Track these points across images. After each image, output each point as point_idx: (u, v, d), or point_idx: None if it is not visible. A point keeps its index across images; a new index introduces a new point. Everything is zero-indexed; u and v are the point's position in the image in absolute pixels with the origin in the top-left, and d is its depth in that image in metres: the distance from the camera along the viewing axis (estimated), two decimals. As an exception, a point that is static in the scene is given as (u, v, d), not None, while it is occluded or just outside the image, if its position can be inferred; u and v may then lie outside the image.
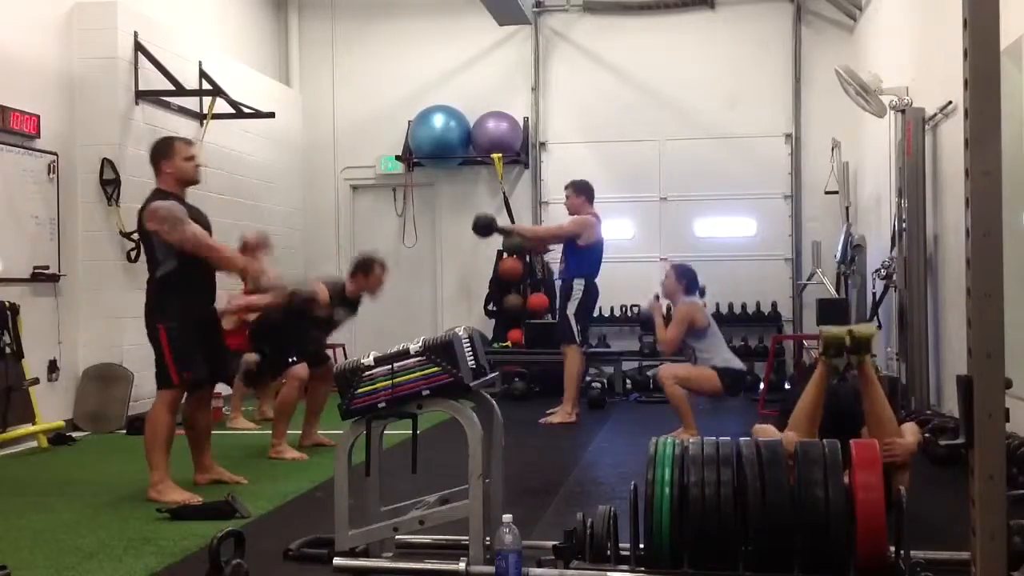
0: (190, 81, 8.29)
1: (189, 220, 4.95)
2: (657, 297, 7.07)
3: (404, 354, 3.45)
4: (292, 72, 11.05)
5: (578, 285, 7.76)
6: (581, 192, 7.92)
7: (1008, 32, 3.30)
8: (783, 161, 10.40)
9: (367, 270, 6.56)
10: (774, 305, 10.20)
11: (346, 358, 8.43)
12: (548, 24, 10.81)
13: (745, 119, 10.35)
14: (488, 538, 3.39)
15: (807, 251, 10.01)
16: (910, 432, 4.17)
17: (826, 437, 3.48)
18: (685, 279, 6.81)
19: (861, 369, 4.14)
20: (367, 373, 3.44)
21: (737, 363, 6.81)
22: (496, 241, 10.36)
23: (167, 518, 4.45)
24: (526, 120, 10.64)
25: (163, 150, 5.13)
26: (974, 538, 2.09)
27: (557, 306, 8.25)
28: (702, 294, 6.96)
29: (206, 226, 5.15)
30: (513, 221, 10.40)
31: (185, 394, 5.08)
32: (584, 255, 7.81)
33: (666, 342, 6.72)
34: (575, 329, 7.77)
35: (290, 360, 6.24)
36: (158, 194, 5.05)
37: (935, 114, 6.80)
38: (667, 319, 6.85)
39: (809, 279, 9.78)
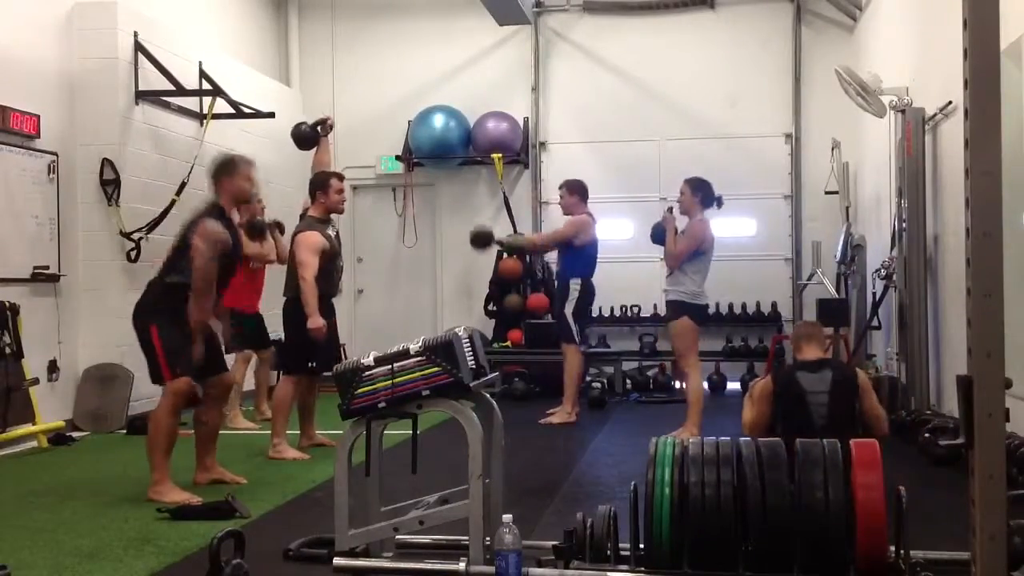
0: (190, 81, 8.29)
1: (213, 263, 5.00)
2: (671, 209, 6.94)
3: (404, 354, 3.45)
4: (292, 72, 11.05)
5: (574, 285, 7.76)
6: (575, 191, 7.92)
7: (1008, 32, 3.30)
8: (783, 161, 10.40)
9: (325, 186, 6.47)
10: (774, 305, 10.20)
11: (346, 358, 8.42)
12: (548, 24, 10.81)
13: (745, 119, 10.35)
14: (488, 538, 3.39)
15: (807, 251, 10.02)
16: None
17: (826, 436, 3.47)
18: (701, 192, 6.75)
19: None
20: (367, 373, 3.44)
21: (704, 298, 6.77)
22: (496, 241, 10.40)
23: (167, 518, 4.45)
24: (526, 120, 10.64)
25: (227, 168, 5.26)
26: (974, 538, 2.09)
27: (555, 306, 8.25)
28: (719, 204, 6.83)
29: (236, 244, 5.25)
30: (513, 221, 10.42)
31: (192, 396, 5.09)
32: (579, 255, 7.81)
33: (674, 256, 6.69)
34: (573, 329, 7.77)
35: (309, 365, 6.22)
36: (215, 211, 5.14)
37: (935, 114, 6.80)
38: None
39: (809, 279, 9.78)
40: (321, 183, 6.42)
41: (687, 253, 6.63)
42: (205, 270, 4.96)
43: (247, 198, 5.46)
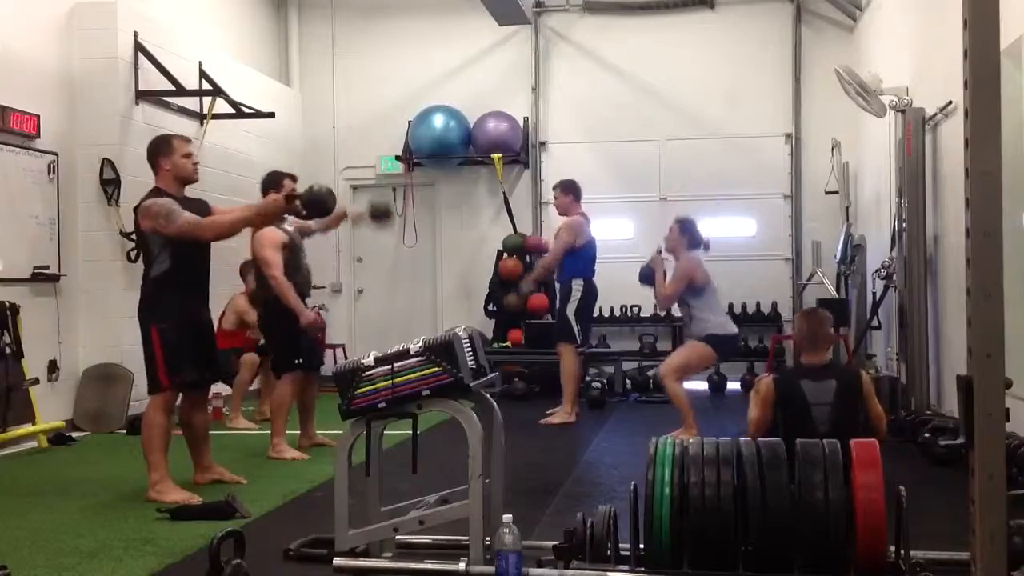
0: (190, 81, 8.29)
1: (182, 210, 4.91)
2: (659, 251, 6.97)
3: (404, 354, 3.45)
4: (292, 72, 11.04)
5: (577, 285, 7.77)
6: (568, 191, 7.92)
7: (1008, 32, 3.30)
8: (783, 161, 10.40)
9: (165, 150, 6.27)
10: (774, 305, 10.20)
11: (346, 358, 8.44)
12: (548, 24, 10.81)
13: (745, 119, 10.35)
14: (488, 538, 3.39)
15: (807, 251, 10.02)
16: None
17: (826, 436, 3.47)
18: (688, 233, 6.77)
19: None
20: (367, 373, 3.44)
21: (730, 328, 6.75)
22: (496, 241, 10.39)
23: (167, 518, 4.45)
24: (526, 120, 10.63)
25: (161, 147, 5.11)
26: (974, 538, 2.09)
27: (557, 307, 8.23)
28: (706, 248, 6.86)
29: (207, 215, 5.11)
30: (513, 221, 10.43)
31: (180, 395, 5.07)
32: (578, 256, 7.80)
33: (664, 298, 6.70)
34: (575, 329, 7.77)
35: (296, 362, 6.21)
36: (154, 192, 5.03)
37: (935, 114, 6.80)
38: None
39: (809, 279, 9.78)
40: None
41: (677, 294, 6.64)
42: (183, 225, 4.85)
43: (191, 176, 5.13)
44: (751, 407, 4.78)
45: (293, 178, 6.46)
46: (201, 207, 5.14)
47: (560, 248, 7.88)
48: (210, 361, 5.23)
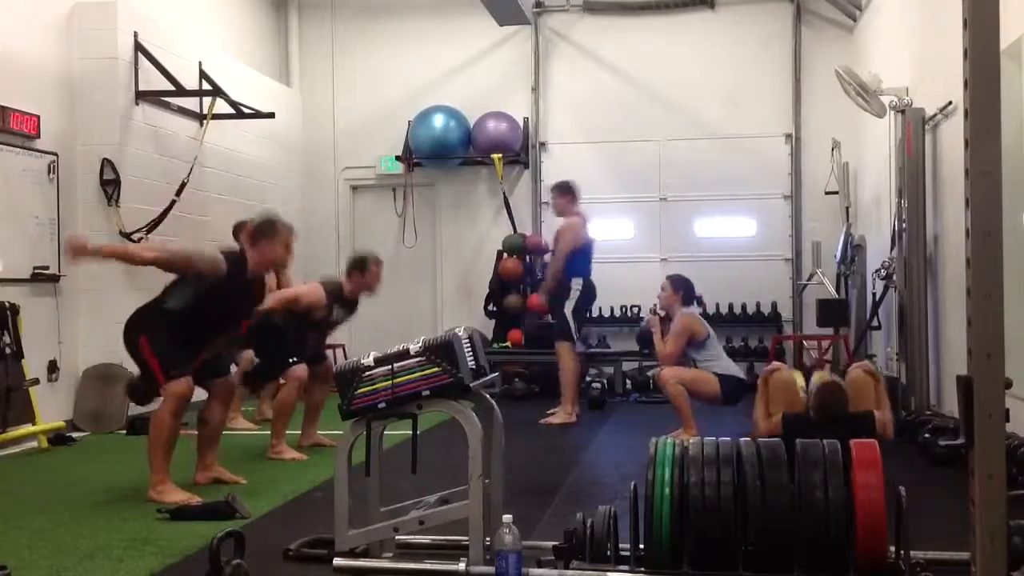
0: (190, 81, 8.29)
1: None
2: (654, 311, 7.07)
3: (404, 354, 3.45)
4: (292, 72, 11.05)
5: (576, 284, 7.79)
6: (565, 192, 7.95)
7: (1008, 32, 3.30)
8: (783, 161, 10.40)
9: (363, 268, 6.57)
10: (774, 305, 10.20)
11: (346, 358, 8.44)
12: (548, 24, 10.81)
13: (745, 119, 10.35)
14: (488, 538, 3.39)
15: (807, 251, 10.01)
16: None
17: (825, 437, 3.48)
18: (682, 290, 6.83)
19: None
20: (367, 373, 3.44)
21: (737, 371, 6.80)
22: (496, 241, 10.39)
23: (167, 518, 4.44)
24: (526, 120, 10.64)
25: (267, 232, 5.14)
26: (974, 538, 2.09)
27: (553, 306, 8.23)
28: (699, 303, 6.98)
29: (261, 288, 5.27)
30: (513, 221, 10.44)
31: (191, 398, 5.07)
32: (576, 256, 7.82)
33: (666, 356, 6.71)
34: (572, 327, 7.79)
35: (290, 361, 6.24)
36: (234, 256, 5.04)
37: (935, 114, 6.80)
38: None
39: (809, 279, 9.77)
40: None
41: (679, 351, 6.64)
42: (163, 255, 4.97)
43: (283, 264, 5.34)
44: (757, 407, 4.77)
45: (378, 263, 6.66)
46: (250, 289, 5.19)
47: (562, 255, 7.89)
48: (217, 362, 5.25)
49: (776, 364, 6.32)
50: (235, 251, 5.14)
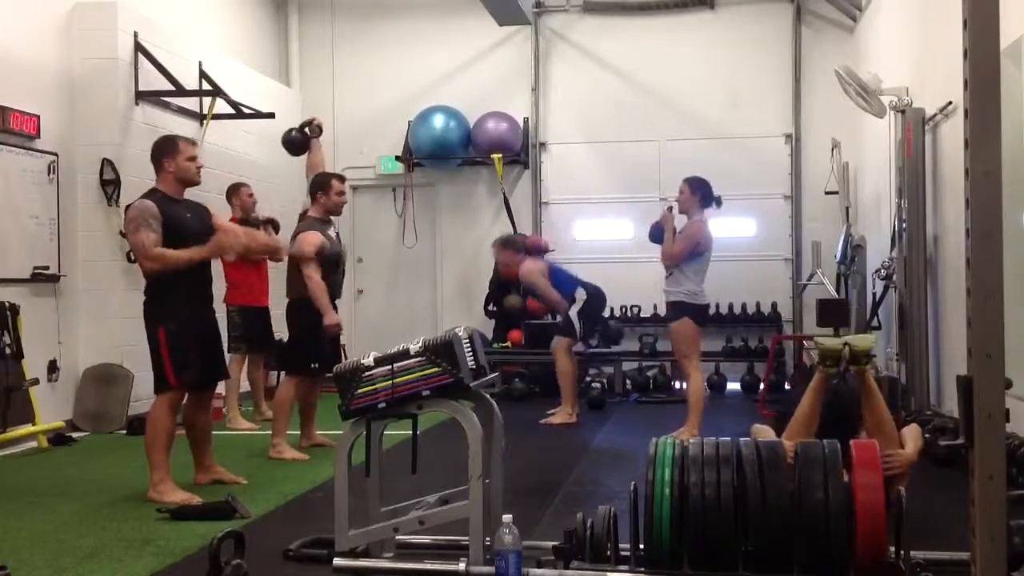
0: (190, 81, 8.29)
1: (149, 226, 4.86)
2: (670, 208, 6.89)
3: (404, 354, 3.45)
4: (292, 72, 11.05)
5: (580, 294, 7.91)
6: (506, 248, 8.23)
7: (1008, 32, 3.30)
8: (783, 161, 10.40)
9: (326, 187, 6.42)
10: (774, 305, 10.20)
11: (346, 358, 8.42)
12: (548, 24, 10.81)
13: (745, 119, 10.35)
14: (488, 538, 3.39)
15: (807, 251, 10.01)
16: (911, 439, 4.14)
17: (826, 437, 3.48)
18: (700, 191, 6.70)
19: (861, 377, 4.12)
20: (367, 373, 3.44)
21: (703, 299, 6.69)
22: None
23: (167, 518, 4.45)
24: (526, 120, 10.64)
25: (166, 148, 5.11)
26: (974, 538, 2.09)
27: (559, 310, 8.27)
28: (719, 204, 6.78)
29: (202, 225, 5.07)
30: (513, 222, 10.44)
31: (186, 395, 5.08)
32: (558, 287, 7.97)
33: (670, 256, 6.64)
34: (576, 326, 7.84)
35: (312, 366, 6.21)
36: (149, 193, 5.04)
37: (935, 114, 6.80)
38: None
39: (809, 279, 9.77)
40: (322, 184, 6.39)
41: (684, 253, 6.58)
42: (135, 242, 4.92)
43: (194, 179, 5.14)
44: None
45: (341, 179, 6.57)
46: (202, 214, 5.15)
47: (545, 291, 8.02)
48: (216, 361, 5.24)
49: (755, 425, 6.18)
50: (150, 191, 5.08)
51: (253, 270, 7.64)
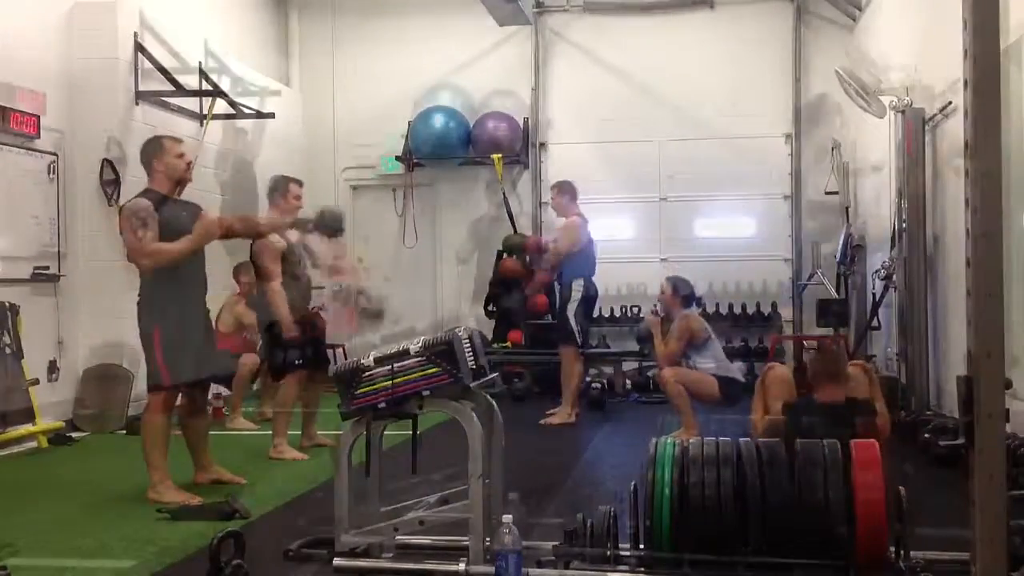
0: (190, 81, 8.29)
1: (144, 224, 4.87)
2: (654, 311, 7.08)
3: (404, 354, 3.45)
4: (292, 72, 11.05)
5: (577, 286, 7.77)
6: (565, 192, 7.95)
7: (1008, 32, 3.30)
8: (783, 161, 10.39)
9: (283, 190, 6.41)
10: (774, 305, 10.20)
11: (346, 358, 8.42)
12: (548, 24, 10.81)
13: (745, 119, 10.33)
14: (488, 538, 3.39)
15: (807, 251, 10.01)
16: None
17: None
18: (682, 292, 6.85)
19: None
20: (367, 373, 3.44)
21: (736, 373, 6.81)
22: (496, 241, 10.38)
23: (167, 518, 4.45)
24: (526, 120, 10.63)
25: (153, 149, 5.13)
26: (974, 538, 2.09)
27: (557, 308, 8.23)
28: (699, 304, 7.00)
29: (189, 223, 5.03)
30: (513, 222, 10.43)
31: (179, 395, 5.07)
32: (577, 258, 7.82)
33: (666, 356, 6.71)
34: (575, 330, 7.78)
35: (296, 363, 6.22)
36: (143, 193, 5.05)
37: (935, 115, 6.80)
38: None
39: (809, 280, 9.77)
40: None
41: (678, 353, 6.65)
42: (134, 241, 4.91)
43: (184, 176, 5.14)
44: (755, 404, 4.75)
45: (299, 183, 6.51)
46: (193, 211, 5.14)
47: (560, 251, 7.89)
48: (209, 360, 5.23)
49: (773, 363, 6.32)
50: (144, 191, 5.10)
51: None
